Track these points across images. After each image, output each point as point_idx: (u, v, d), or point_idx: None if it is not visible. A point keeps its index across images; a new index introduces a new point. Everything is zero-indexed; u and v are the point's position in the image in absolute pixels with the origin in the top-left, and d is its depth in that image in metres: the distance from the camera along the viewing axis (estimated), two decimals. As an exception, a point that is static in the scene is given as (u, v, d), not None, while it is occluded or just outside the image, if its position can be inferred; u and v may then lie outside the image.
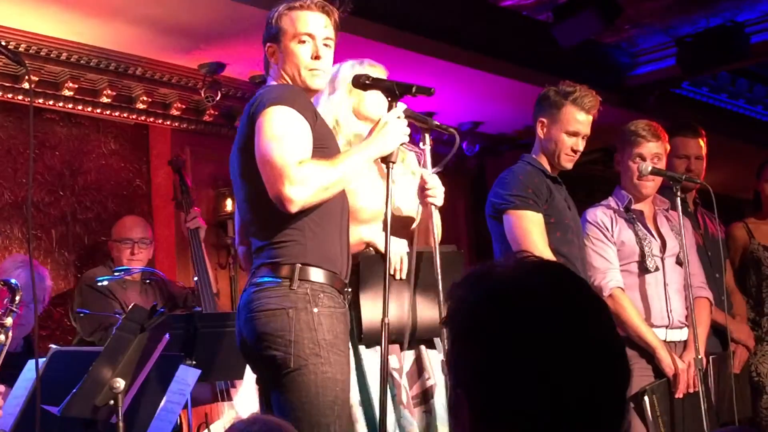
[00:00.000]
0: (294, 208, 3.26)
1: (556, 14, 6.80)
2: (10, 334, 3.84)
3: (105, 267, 5.80)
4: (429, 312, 3.74)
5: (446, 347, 1.49)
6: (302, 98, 3.42)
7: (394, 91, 3.56)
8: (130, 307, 3.60)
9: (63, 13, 5.67)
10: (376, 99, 3.87)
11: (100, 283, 5.38)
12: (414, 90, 3.55)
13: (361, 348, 3.67)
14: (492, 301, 1.46)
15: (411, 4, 6.69)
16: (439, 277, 3.59)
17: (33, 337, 4.75)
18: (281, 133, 3.29)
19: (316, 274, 3.34)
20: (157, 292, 5.76)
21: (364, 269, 3.70)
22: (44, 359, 3.72)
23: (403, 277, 3.73)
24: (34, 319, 3.37)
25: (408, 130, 3.52)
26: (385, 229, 3.44)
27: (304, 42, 3.49)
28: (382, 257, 3.65)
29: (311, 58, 3.49)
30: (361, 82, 3.62)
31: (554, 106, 4.48)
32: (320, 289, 3.33)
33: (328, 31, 3.54)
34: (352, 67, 3.90)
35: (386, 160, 3.50)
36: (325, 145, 3.42)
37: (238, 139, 3.47)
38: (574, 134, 4.46)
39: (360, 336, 3.66)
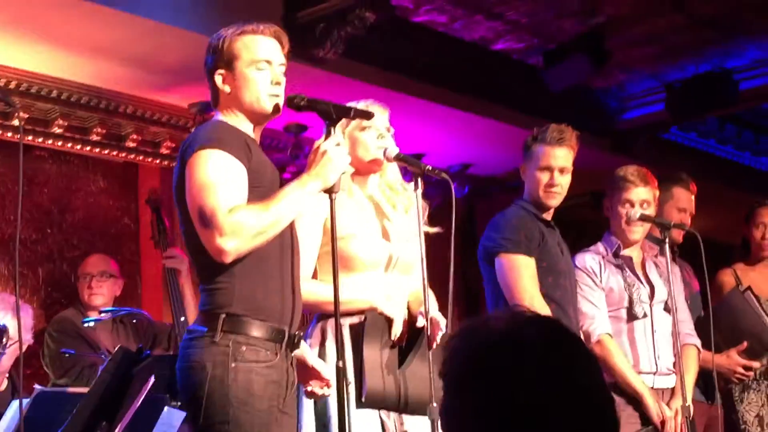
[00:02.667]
0: (228, 259, 3.08)
1: (547, 58, 6.85)
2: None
3: (75, 309, 5.76)
4: (422, 384, 3.58)
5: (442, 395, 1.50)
6: (234, 136, 3.20)
7: (330, 114, 3.31)
8: (116, 348, 3.58)
9: (54, 50, 5.68)
10: (368, 142, 3.83)
11: (86, 325, 5.35)
12: (352, 113, 3.38)
13: (356, 409, 3.54)
14: (483, 352, 1.47)
15: (401, 45, 6.72)
16: (429, 353, 3.50)
17: (17, 377, 4.73)
18: (211, 179, 3.09)
19: (242, 326, 3.12)
20: (130, 332, 5.69)
21: (370, 331, 3.60)
22: (28, 399, 3.69)
23: (402, 344, 3.66)
24: (20, 358, 3.35)
25: (349, 158, 3.29)
26: (334, 265, 3.25)
27: (261, 69, 3.31)
28: (387, 320, 3.65)
29: (271, 83, 3.31)
30: (295, 103, 3.30)
31: (527, 150, 4.53)
32: (244, 341, 3.11)
33: (282, 57, 3.38)
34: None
35: (329, 191, 3.26)
36: (259, 184, 3.20)
37: (173, 181, 3.27)
38: (546, 168, 4.46)
39: (361, 400, 3.54)
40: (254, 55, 3.30)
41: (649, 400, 4.56)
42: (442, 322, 3.66)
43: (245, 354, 3.09)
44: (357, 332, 3.61)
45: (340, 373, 3.19)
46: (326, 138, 3.27)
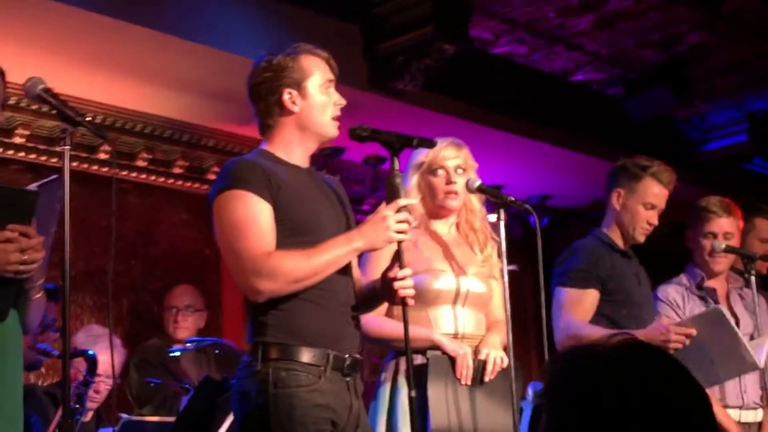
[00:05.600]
0: (261, 299, 3.07)
1: (628, 89, 6.80)
2: (87, 405, 3.88)
3: (158, 339, 5.83)
4: (497, 424, 3.62)
5: (542, 420, 1.50)
6: (255, 173, 3.14)
7: (393, 145, 3.22)
8: (202, 378, 3.62)
9: (138, 85, 5.79)
10: (436, 187, 3.82)
11: (172, 355, 5.40)
12: (415, 143, 3.29)
13: None
14: (588, 379, 1.45)
15: (481, 78, 6.74)
16: (513, 386, 3.52)
17: (108, 407, 4.81)
18: (240, 222, 3.08)
19: (282, 352, 3.07)
20: (212, 361, 5.74)
21: (433, 371, 3.59)
22: (115, 428, 3.75)
23: (469, 382, 3.63)
24: (112, 392, 3.40)
25: (406, 227, 3.15)
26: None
27: (327, 88, 3.27)
28: (450, 359, 3.62)
29: (335, 105, 3.28)
30: (357, 134, 3.21)
31: (632, 178, 4.41)
32: (284, 367, 3.06)
33: None
34: (426, 150, 3.79)
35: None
36: (287, 217, 3.13)
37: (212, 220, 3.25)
38: (652, 207, 4.39)
39: None
40: (324, 75, 3.27)
41: (737, 435, 4.48)
42: (495, 358, 3.66)
43: (285, 380, 3.05)
44: (420, 372, 3.57)
45: (413, 403, 3.15)
46: (391, 169, 3.21)
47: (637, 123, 6.94)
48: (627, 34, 6.56)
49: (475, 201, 3.95)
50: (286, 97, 3.23)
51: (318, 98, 3.24)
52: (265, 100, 3.27)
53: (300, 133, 3.27)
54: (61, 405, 2.98)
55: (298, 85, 3.23)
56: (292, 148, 3.28)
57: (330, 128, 3.28)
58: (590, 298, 4.26)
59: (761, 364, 4.35)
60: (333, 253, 3.09)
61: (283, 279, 3.03)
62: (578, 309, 4.24)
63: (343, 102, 3.30)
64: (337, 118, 3.29)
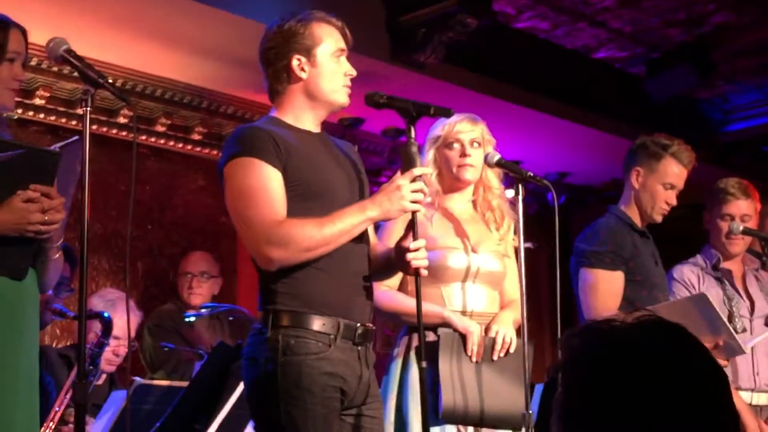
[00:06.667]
0: (273, 267, 3.04)
1: (650, 68, 6.77)
2: (100, 366, 3.90)
3: (173, 304, 5.86)
4: (508, 401, 3.64)
5: (558, 393, 1.50)
6: (266, 140, 3.09)
7: (410, 112, 3.19)
8: (216, 344, 3.63)
9: (160, 50, 5.78)
10: (450, 160, 3.82)
11: (187, 320, 5.43)
12: (432, 111, 3.22)
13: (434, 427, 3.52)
14: (608, 356, 1.45)
15: (502, 52, 6.71)
16: (526, 363, 3.53)
17: (121, 371, 4.83)
18: (251, 189, 3.06)
19: (292, 319, 3.05)
20: (226, 328, 5.76)
21: (444, 348, 3.60)
22: (128, 391, 3.77)
23: (479, 360, 3.64)
24: (127, 356, 3.42)
25: (420, 196, 3.13)
26: (416, 275, 3.20)
27: (338, 57, 3.23)
28: (461, 336, 3.63)
29: (345, 75, 3.25)
30: (375, 101, 3.22)
31: (652, 157, 4.38)
32: (294, 334, 3.04)
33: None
34: (442, 125, 3.83)
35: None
36: (297, 182, 3.11)
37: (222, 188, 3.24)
38: (671, 187, 4.37)
39: (438, 416, 3.55)
40: (335, 44, 3.23)
41: (748, 418, 4.47)
42: (504, 336, 3.67)
43: (294, 347, 3.03)
44: (432, 350, 3.57)
45: (423, 374, 3.16)
46: (407, 137, 3.20)
47: (659, 102, 6.90)
48: (652, 13, 6.52)
49: (493, 178, 3.93)
50: (294, 63, 3.19)
51: (327, 66, 3.20)
52: (274, 65, 3.23)
53: (308, 101, 3.23)
54: (76, 366, 2.99)
55: (308, 52, 3.19)
56: (302, 115, 3.24)
57: (339, 95, 3.24)
58: (619, 280, 4.24)
59: (747, 349, 4.35)
60: (346, 222, 3.07)
61: (295, 247, 3.01)
62: (609, 292, 4.21)
63: (354, 72, 3.26)
64: (348, 86, 3.25)
